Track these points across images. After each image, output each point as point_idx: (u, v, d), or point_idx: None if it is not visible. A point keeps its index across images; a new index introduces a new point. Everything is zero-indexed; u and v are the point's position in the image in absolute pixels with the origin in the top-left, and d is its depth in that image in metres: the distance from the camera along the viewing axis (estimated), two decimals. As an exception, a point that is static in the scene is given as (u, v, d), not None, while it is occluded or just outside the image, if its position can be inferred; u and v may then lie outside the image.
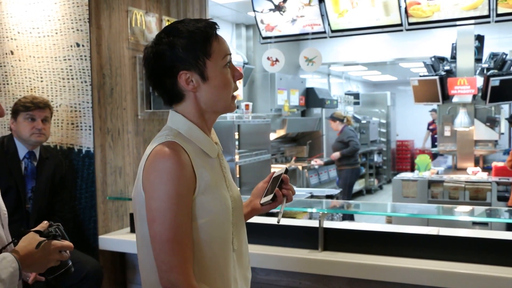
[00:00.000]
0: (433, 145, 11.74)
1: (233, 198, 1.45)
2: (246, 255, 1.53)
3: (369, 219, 7.05)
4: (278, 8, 4.63)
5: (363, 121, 11.21)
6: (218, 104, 1.41)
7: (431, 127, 12.26)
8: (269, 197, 1.56)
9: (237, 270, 1.44)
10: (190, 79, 1.37)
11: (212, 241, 1.36)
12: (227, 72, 1.40)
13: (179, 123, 1.40)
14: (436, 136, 11.84)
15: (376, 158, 11.65)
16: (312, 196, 5.20)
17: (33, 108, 2.84)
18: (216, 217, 1.36)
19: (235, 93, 1.45)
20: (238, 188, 1.57)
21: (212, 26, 1.40)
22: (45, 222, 1.49)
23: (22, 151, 2.90)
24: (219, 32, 1.42)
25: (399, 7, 4.15)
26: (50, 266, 1.44)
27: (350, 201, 6.17)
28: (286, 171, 1.59)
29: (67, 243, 1.46)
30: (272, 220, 2.86)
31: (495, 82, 5.78)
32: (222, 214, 1.37)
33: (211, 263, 1.36)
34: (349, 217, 6.89)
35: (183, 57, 1.35)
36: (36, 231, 1.44)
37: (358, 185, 9.77)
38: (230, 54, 1.42)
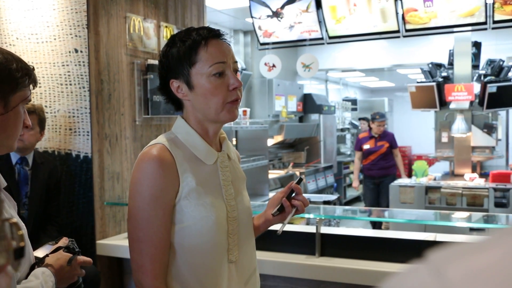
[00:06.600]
0: (366, 178, 6.98)
1: (234, 208, 1.42)
2: (250, 269, 1.47)
3: (367, 225, 7.06)
4: (276, 14, 4.65)
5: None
6: (208, 113, 1.38)
7: (366, 145, 6.90)
8: (277, 207, 1.52)
9: (235, 283, 1.41)
10: (180, 87, 1.39)
11: (191, 248, 1.34)
12: (215, 81, 1.35)
13: (179, 127, 1.42)
14: (373, 163, 6.80)
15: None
16: (309, 202, 5.19)
17: None
18: (197, 223, 1.33)
19: (240, 102, 1.41)
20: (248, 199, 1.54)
21: (205, 34, 1.37)
22: (65, 237, 1.49)
23: (14, 157, 2.88)
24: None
25: (396, 13, 4.18)
26: (73, 281, 1.44)
27: (347, 207, 6.16)
28: (299, 181, 1.56)
29: (88, 258, 1.47)
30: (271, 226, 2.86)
31: (492, 88, 5.80)
32: (205, 221, 1.34)
33: (188, 269, 1.34)
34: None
35: (171, 66, 1.38)
36: (59, 247, 1.45)
37: (355, 191, 9.75)
38: (223, 62, 1.35)
